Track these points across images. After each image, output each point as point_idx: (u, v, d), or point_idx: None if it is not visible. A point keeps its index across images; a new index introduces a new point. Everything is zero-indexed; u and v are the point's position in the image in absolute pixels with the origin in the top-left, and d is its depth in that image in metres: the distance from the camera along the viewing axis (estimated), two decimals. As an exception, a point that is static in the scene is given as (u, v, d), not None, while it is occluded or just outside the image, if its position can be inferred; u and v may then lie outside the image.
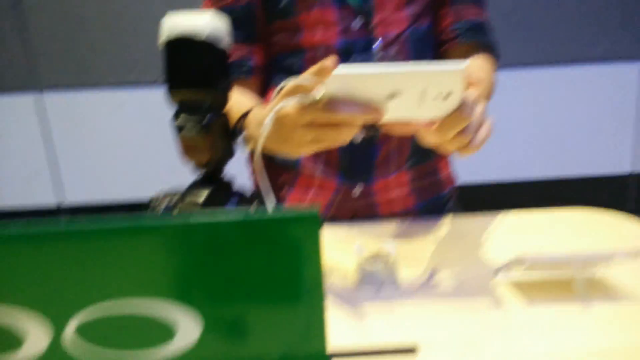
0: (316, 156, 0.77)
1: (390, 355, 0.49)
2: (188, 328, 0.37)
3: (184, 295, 0.36)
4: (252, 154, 0.83)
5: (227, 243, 0.35)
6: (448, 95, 0.51)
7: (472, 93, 0.54)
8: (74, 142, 1.90)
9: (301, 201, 0.80)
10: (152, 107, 1.81)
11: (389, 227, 0.75)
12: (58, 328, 0.36)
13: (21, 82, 1.84)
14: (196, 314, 0.37)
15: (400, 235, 0.73)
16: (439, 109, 0.52)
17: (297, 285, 0.37)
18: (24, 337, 0.36)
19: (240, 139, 0.69)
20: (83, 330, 0.36)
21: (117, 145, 1.89)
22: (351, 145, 0.54)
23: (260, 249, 0.35)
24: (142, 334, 0.37)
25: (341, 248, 0.69)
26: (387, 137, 0.75)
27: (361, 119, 0.51)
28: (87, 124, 1.90)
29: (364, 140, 0.75)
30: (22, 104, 1.87)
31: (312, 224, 0.34)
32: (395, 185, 0.79)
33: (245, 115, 0.69)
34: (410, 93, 0.51)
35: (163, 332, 0.37)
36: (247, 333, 0.38)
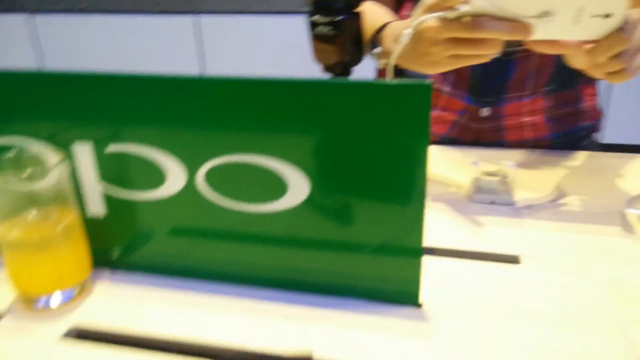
0: (445, 73, 0.75)
1: (490, 262, 0.49)
2: (297, 190, 0.41)
3: (297, 156, 0.39)
4: (383, 69, 0.84)
5: (343, 106, 0.37)
6: (607, 15, 0.46)
7: (635, 14, 0.48)
8: (225, 61, 2.06)
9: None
10: (293, 34, 1.88)
11: (513, 154, 0.72)
12: (192, 172, 0.42)
13: (181, 6, 2.01)
14: (306, 177, 0.40)
15: (524, 164, 0.70)
16: (594, 29, 0.48)
17: (403, 162, 0.38)
18: (167, 176, 0.42)
19: (373, 52, 0.69)
20: (211, 177, 0.41)
21: (261, 65, 2.02)
22: (484, 62, 0.52)
23: (371, 117, 0.37)
24: (259, 188, 0.41)
25: (458, 166, 0.69)
26: (526, 56, 0.71)
27: (507, 37, 0.49)
28: (236, 45, 2.03)
29: (500, 57, 0.71)
30: (181, 25, 2.06)
31: (422, 93, 0.34)
32: (529, 110, 0.75)
33: (381, 29, 0.69)
34: (565, 11, 0.47)
35: (276, 189, 0.41)
36: (350, 213, 0.41)
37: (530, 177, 0.65)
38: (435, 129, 0.79)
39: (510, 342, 0.39)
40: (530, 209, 0.57)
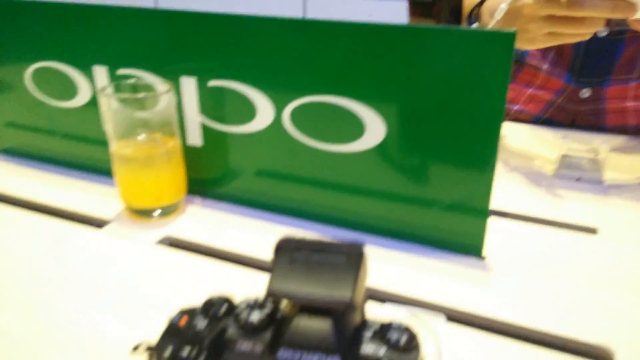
0: (546, 50, 0.73)
1: (565, 230, 0.48)
2: (374, 132, 0.43)
3: (376, 99, 0.42)
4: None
5: (425, 52, 0.39)
6: None
7: None
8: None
9: (519, 96, 0.78)
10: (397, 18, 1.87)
11: (610, 138, 0.69)
12: (279, 109, 0.45)
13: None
14: (382, 120, 0.42)
15: (620, 148, 0.66)
16: None
17: (478, 116, 0.39)
18: (257, 112, 0.46)
19: (471, 27, 0.69)
20: (295, 115, 0.45)
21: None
22: (590, 41, 0.51)
23: (451, 64, 0.38)
24: (338, 128, 0.44)
25: (546, 142, 0.67)
26: (638, 37, 0.67)
27: (607, 16, 0.47)
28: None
29: (608, 36, 0.68)
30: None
31: (505, 41, 0.35)
32: (635, 95, 0.70)
33: (481, 3, 0.68)
34: None
35: (354, 130, 0.43)
36: (424, 170, 0.42)
37: (624, 160, 0.62)
38: (529, 108, 0.77)
39: (568, 298, 0.39)
40: (617, 189, 0.55)
